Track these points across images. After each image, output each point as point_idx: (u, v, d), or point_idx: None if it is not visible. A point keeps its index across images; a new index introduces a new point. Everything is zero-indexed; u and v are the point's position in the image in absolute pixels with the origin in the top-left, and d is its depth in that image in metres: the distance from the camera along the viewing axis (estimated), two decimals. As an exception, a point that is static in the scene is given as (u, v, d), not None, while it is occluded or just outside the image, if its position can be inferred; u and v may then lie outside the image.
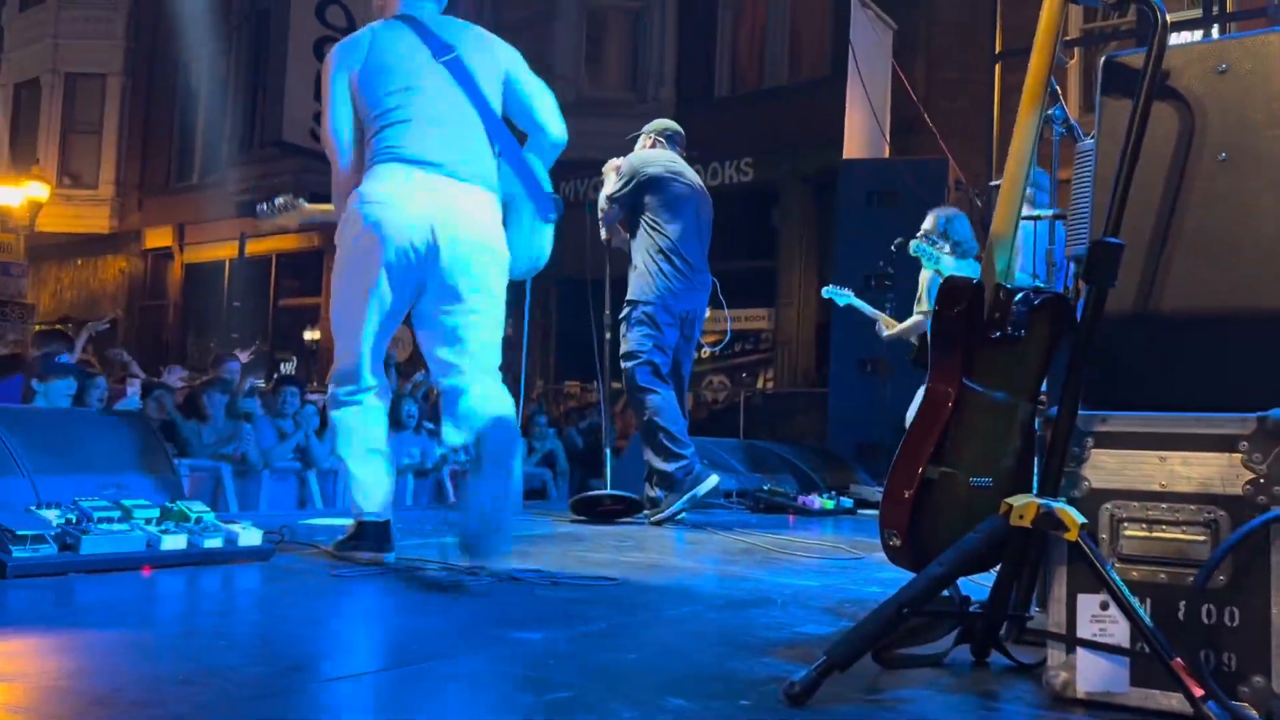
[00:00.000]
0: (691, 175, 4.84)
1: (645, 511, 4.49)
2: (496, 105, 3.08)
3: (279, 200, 3.41)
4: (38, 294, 18.58)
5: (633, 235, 4.72)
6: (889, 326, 5.97)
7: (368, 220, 2.83)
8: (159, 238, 18.70)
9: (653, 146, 4.91)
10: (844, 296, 6.17)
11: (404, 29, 3.03)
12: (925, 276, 5.56)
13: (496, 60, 3.13)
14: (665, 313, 4.58)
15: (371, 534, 2.95)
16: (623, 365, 4.59)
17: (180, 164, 18.49)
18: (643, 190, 4.64)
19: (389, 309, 2.92)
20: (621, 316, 4.65)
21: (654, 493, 4.51)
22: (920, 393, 5.57)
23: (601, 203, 4.76)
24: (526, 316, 4.57)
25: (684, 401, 4.77)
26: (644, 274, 4.60)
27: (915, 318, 5.64)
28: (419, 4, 3.11)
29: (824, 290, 6.37)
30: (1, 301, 15.56)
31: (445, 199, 2.88)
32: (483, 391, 2.89)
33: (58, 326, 12.30)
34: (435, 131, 2.92)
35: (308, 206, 3.39)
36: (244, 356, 8.19)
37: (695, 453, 4.55)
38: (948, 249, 5.38)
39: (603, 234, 4.82)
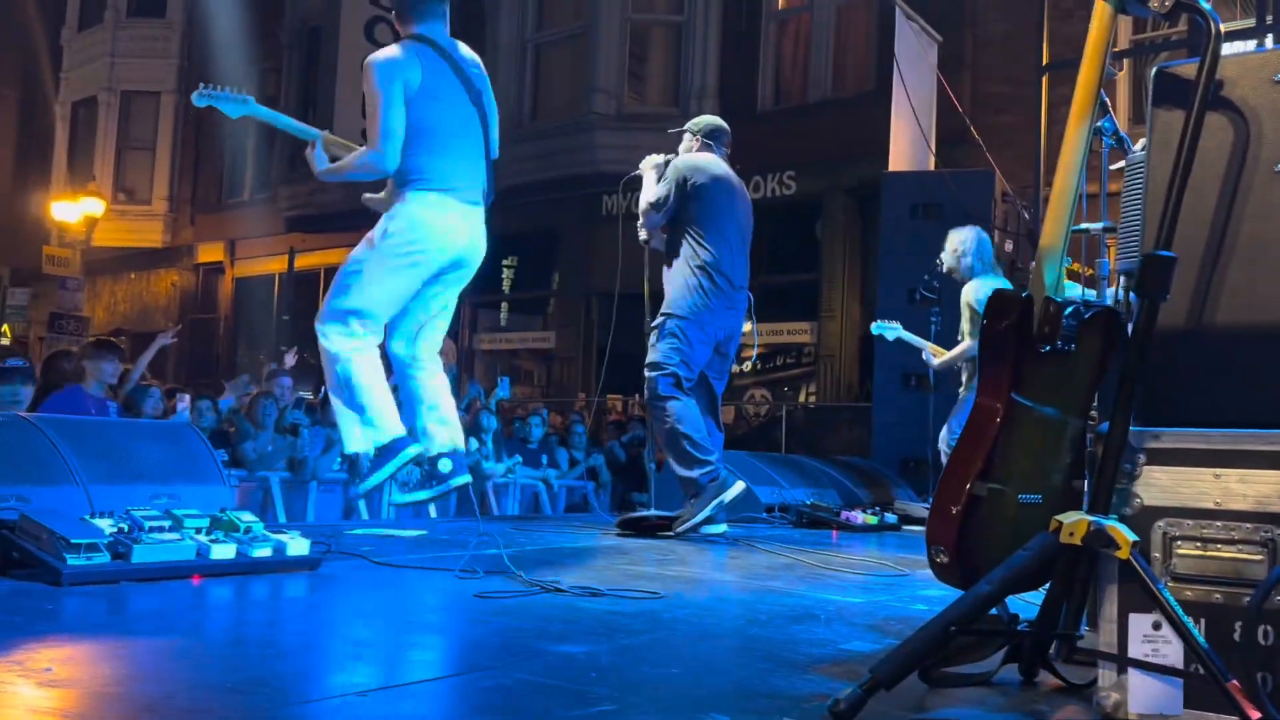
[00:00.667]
0: (734, 180, 4.72)
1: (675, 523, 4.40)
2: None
3: (228, 91, 3.80)
4: (93, 307, 19.02)
5: (673, 242, 4.59)
6: (937, 355, 5.91)
7: (420, 234, 3.52)
8: (211, 252, 19.05)
9: (700, 149, 4.75)
10: (892, 330, 6.14)
11: (442, 64, 3.55)
12: (967, 300, 5.53)
13: (488, 88, 3.75)
14: (698, 329, 4.46)
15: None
16: (646, 375, 4.47)
17: (232, 180, 18.83)
18: (688, 200, 4.52)
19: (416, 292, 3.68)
20: (654, 325, 4.55)
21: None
22: (954, 413, 5.62)
23: (643, 204, 4.63)
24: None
25: (718, 419, 4.66)
26: (682, 287, 4.49)
27: (964, 343, 5.59)
28: (436, 27, 3.59)
29: (872, 326, 6.36)
30: (58, 314, 15.95)
31: (471, 229, 3.65)
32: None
33: (109, 337, 12.54)
34: (462, 165, 3.59)
35: (259, 109, 3.86)
36: (290, 358, 8.28)
37: (721, 460, 4.44)
38: (982, 270, 5.56)
39: (642, 235, 4.72)
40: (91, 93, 19.73)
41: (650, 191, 4.62)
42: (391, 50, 3.53)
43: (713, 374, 4.64)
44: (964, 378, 5.80)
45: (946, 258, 5.73)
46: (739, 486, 4.37)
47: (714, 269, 4.47)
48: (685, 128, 4.85)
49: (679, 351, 4.43)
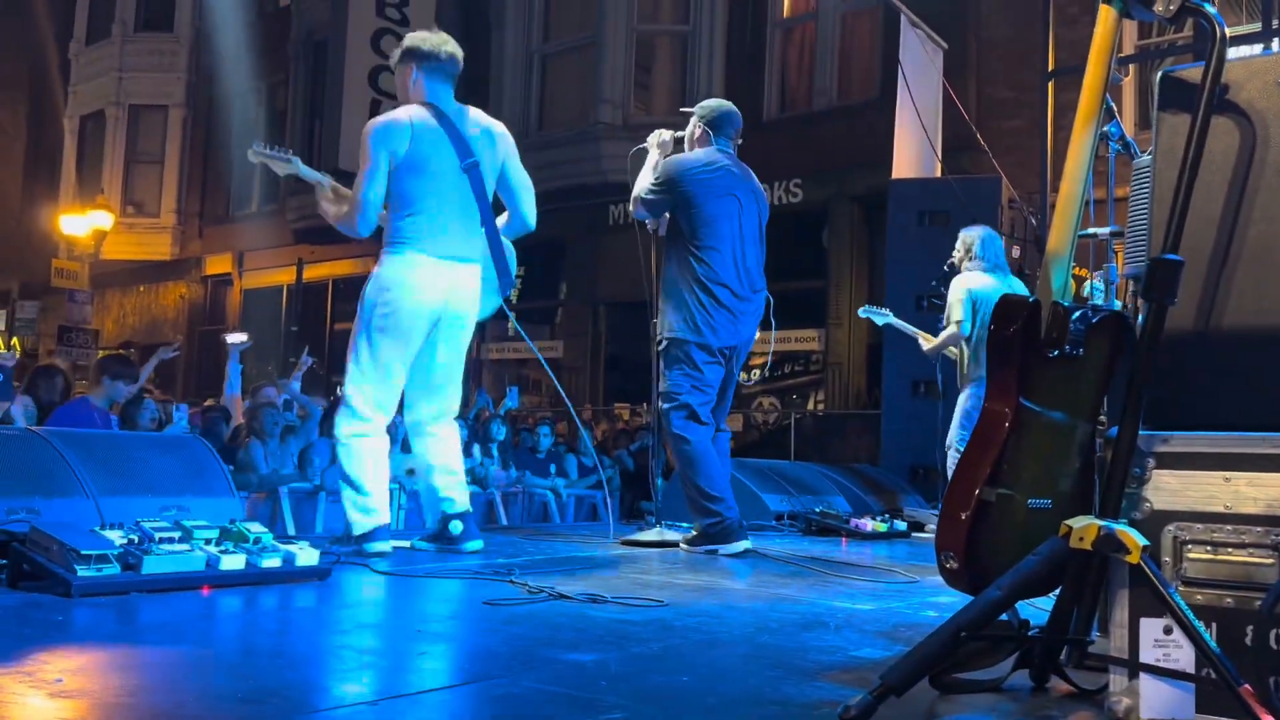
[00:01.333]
0: (735, 173, 4.38)
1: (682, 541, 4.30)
2: (491, 193, 3.85)
3: (278, 150, 3.95)
4: (101, 320, 19.10)
5: (668, 255, 4.36)
6: (927, 342, 5.93)
7: (404, 298, 3.63)
8: (219, 264, 19.13)
9: (700, 138, 4.44)
10: (882, 316, 6.14)
11: (438, 131, 3.68)
12: (955, 291, 5.55)
13: (497, 155, 3.86)
14: (704, 351, 4.22)
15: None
16: (659, 406, 4.30)
17: (240, 192, 18.91)
18: (678, 208, 4.28)
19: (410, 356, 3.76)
20: (660, 350, 4.33)
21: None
22: (956, 416, 5.62)
23: (635, 189, 4.39)
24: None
25: (722, 423, 4.44)
26: (683, 306, 4.22)
27: (949, 330, 5.62)
28: (443, 95, 3.78)
29: (860, 310, 6.31)
30: (67, 327, 16.01)
31: (451, 281, 3.72)
32: None
33: (121, 351, 12.59)
34: (453, 227, 3.70)
35: (302, 167, 3.91)
36: (306, 359, 8.29)
37: (732, 503, 4.22)
38: (981, 266, 5.60)
39: (649, 224, 4.54)
40: (99, 107, 19.84)
41: (645, 177, 4.39)
42: (391, 116, 3.72)
43: (723, 385, 4.41)
44: (959, 379, 5.80)
45: (957, 253, 5.76)
46: (740, 546, 4.13)
47: (712, 282, 4.22)
48: (693, 109, 4.57)
49: (688, 377, 4.21)
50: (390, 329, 3.63)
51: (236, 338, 8.21)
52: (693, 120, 4.53)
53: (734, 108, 4.55)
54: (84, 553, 2.50)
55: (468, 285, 3.78)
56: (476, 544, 3.76)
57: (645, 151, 4.54)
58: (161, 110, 19.61)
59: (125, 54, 19.60)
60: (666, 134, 4.52)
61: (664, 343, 4.30)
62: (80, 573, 2.46)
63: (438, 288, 3.67)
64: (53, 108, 21.02)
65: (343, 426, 3.67)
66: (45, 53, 20.91)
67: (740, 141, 4.56)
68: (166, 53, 19.63)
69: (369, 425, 3.66)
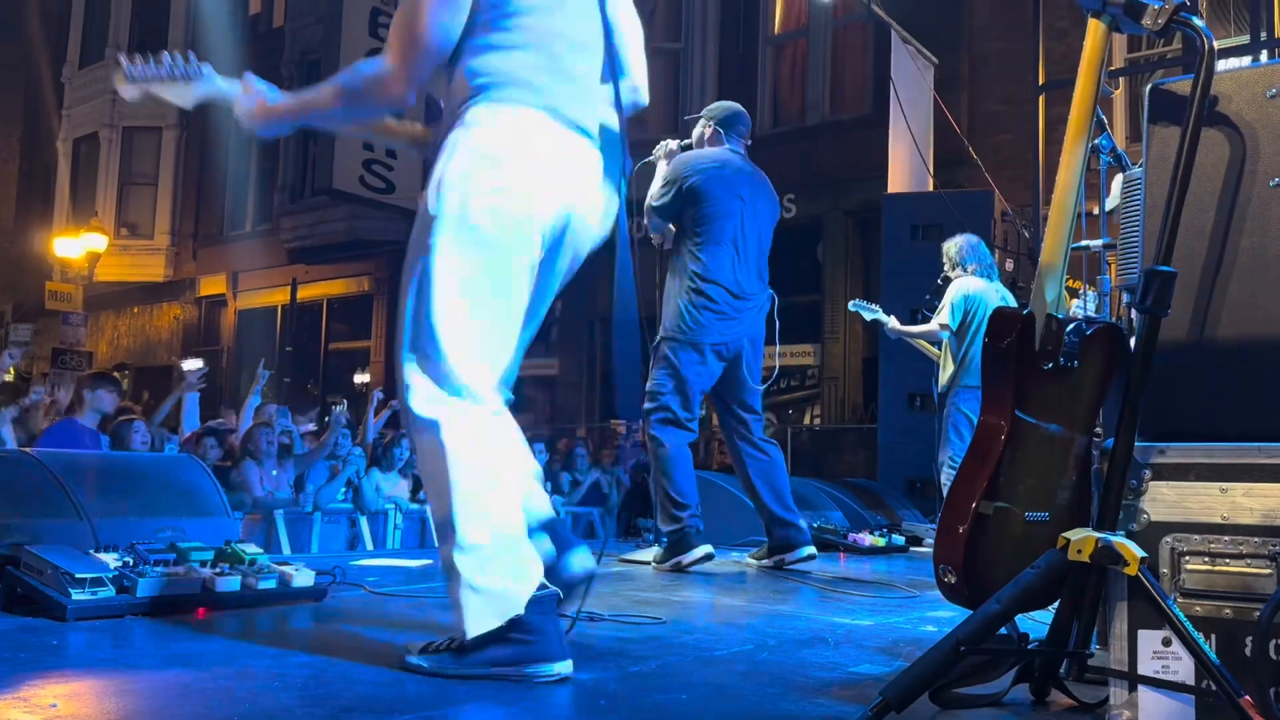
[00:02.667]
0: (744, 171, 4.36)
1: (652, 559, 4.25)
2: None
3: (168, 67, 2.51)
4: (95, 342, 19.07)
5: (673, 254, 4.32)
6: (897, 325, 5.85)
7: (510, 194, 2.04)
8: (213, 285, 19.13)
9: (711, 137, 4.42)
10: (871, 312, 6.02)
11: None
12: (951, 293, 5.53)
13: None
14: (692, 350, 4.17)
15: None
16: (644, 404, 4.25)
17: (234, 213, 18.93)
18: (685, 203, 4.22)
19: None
20: (653, 347, 4.29)
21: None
22: (947, 434, 5.61)
23: (647, 200, 4.35)
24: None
25: (759, 432, 4.33)
26: (674, 305, 4.21)
27: (929, 326, 5.60)
28: None
29: (850, 304, 6.20)
30: (60, 350, 15.98)
31: (586, 174, 2.21)
32: None
33: (112, 371, 12.58)
34: (577, 68, 2.21)
35: (216, 79, 2.55)
36: (260, 375, 8.16)
37: (696, 511, 4.15)
38: (971, 269, 5.59)
39: (654, 238, 4.48)
40: (93, 129, 19.89)
41: (655, 187, 4.36)
42: None
43: (733, 399, 4.31)
44: (941, 383, 5.71)
45: (947, 267, 5.78)
46: (699, 552, 4.08)
47: (705, 279, 4.18)
48: (701, 113, 4.55)
49: (671, 378, 4.19)
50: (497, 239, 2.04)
51: (193, 364, 7.96)
52: (701, 122, 4.52)
53: (742, 108, 4.55)
54: (78, 576, 2.49)
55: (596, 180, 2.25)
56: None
57: (652, 165, 4.51)
58: (155, 132, 19.65)
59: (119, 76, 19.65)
60: (673, 143, 4.50)
61: (657, 340, 4.29)
62: (75, 596, 2.45)
63: (565, 175, 2.15)
64: (46, 131, 21.06)
65: (433, 407, 2.00)
66: (39, 77, 20.95)
67: (749, 142, 4.55)
68: (160, 74, 19.68)
69: (464, 404, 2.02)
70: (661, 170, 4.42)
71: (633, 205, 4.04)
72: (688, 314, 4.19)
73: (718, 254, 4.22)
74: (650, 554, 4.37)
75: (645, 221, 4.38)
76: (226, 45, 17.27)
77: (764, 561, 4.25)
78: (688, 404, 4.22)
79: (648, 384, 4.27)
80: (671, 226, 4.37)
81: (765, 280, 4.41)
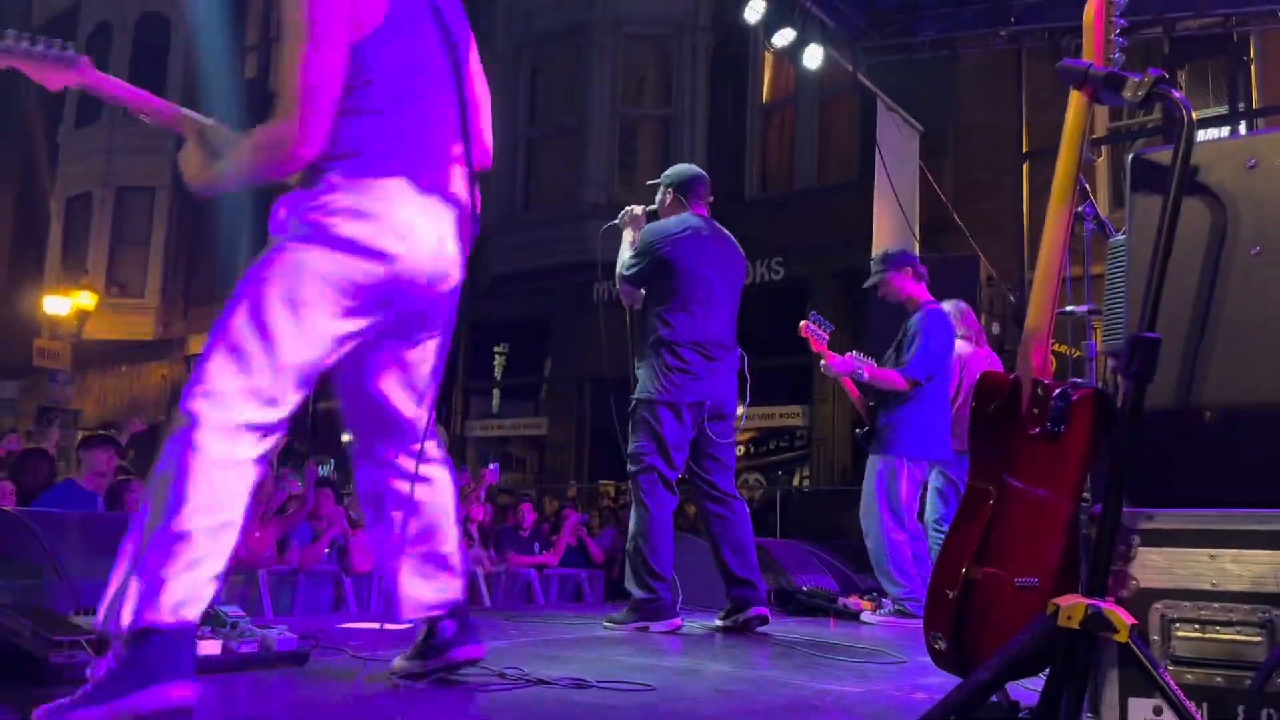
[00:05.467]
0: (709, 234, 4.40)
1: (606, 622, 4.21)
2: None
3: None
4: (82, 400, 18.96)
5: (644, 316, 4.38)
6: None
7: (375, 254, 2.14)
8: (202, 344, 19.07)
9: (672, 203, 4.48)
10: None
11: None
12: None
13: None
14: (668, 409, 4.20)
15: None
16: (628, 468, 4.28)
17: (226, 272, 18.96)
18: (658, 271, 4.29)
19: None
20: (629, 411, 4.34)
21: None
22: (930, 494, 5.59)
23: (618, 268, 4.42)
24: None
25: (730, 488, 4.36)
26: (647, 370, 4.26)
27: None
28: None
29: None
30: (47, 408, 15.89)
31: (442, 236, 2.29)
32: None
33: (103, 432, 12.47)
34: (431, 134, 2.28)
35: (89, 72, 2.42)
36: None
37: (672, 585, 4.17)
38: (960, 334, 5.61)
39: (625, 301, 4.51)
40: (87, 188, 19.99)
41: (625, 253, 4.44)
42: None
43: (701, 453, 4.31)
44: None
45: None
46: (670, 625, 4.09)
47: (677, 342, 4.22)
48: (659, 179, 4.63)
49: (653, 439, 4.20)
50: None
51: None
52: (661, 189, 4.59)
53: (700, 170, 4.62)
54: (56, 639, 2.45)
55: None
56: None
57: (616, 228, 4.60)
58: (149, 192, 19.76)
59: (114, 136, 19.81)
60: (637, 208, 4.58)
61: (633, 404, 4.33)
62: (53, 658, 2.41)
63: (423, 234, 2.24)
64: (40, 190, 21.17)
65: None
66: (34, 136, 21.12)
67: (711, 200, 4.60)
68: (156, 135, 19.77)
69: None
70: (628, 237, 4.49)
71: (599, 268, 4.05)
72: (662, 376, 4.24)
73: (689, 317, 4.28)
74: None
75: (616, 287, 4.46)
76: (223, 106, 17.49)
77: (724, 622, 4.23)
78: (672, 463, 4.25)
79: (630, 447, 4.30)
80: (642, 290, 4.43)
81: (734, 340, 4.45)
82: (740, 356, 4.46)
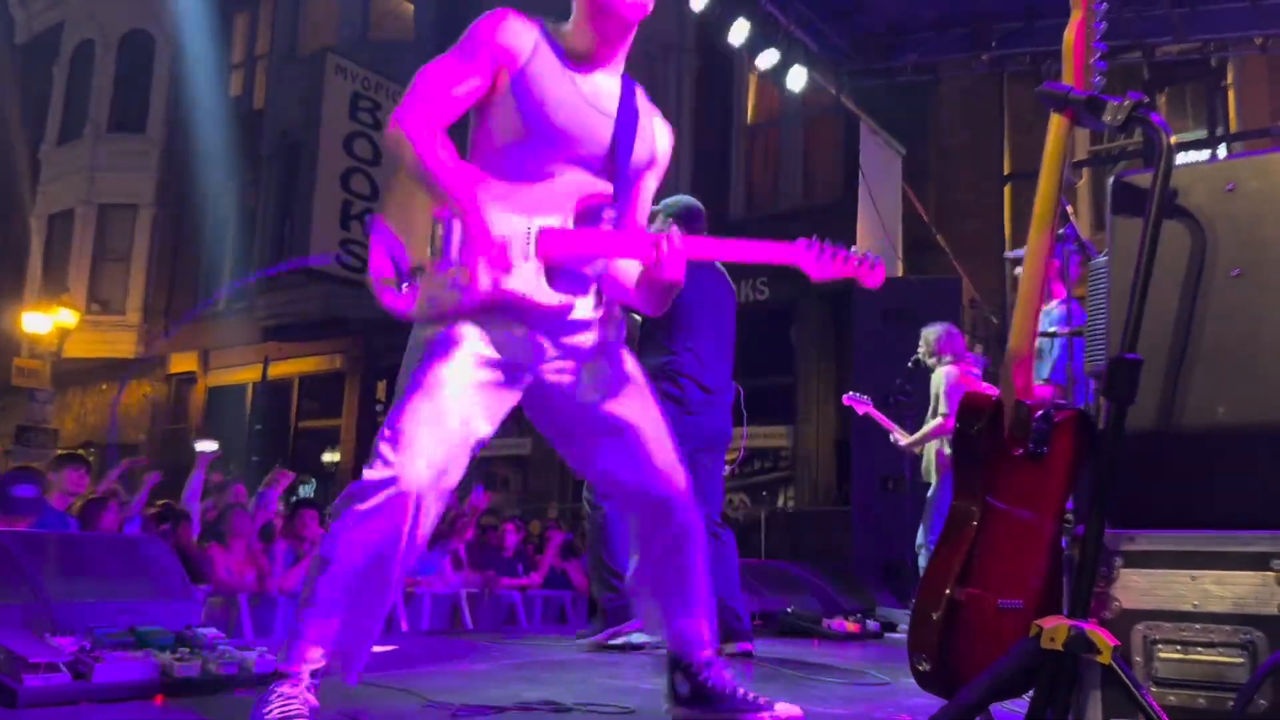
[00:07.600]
0: (708, 268, 4.39)
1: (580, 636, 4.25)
2: None
3: None
4: (61, 419, 18.79)
5: (641, 348, 4.29)
6: (904, 437, 6.01)
7: None
8: (184, 362, 18.97)
9: None
10: (863, 403, 6.18)
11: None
12: (942, 383, 5.64)
13: None
14: None
15: None
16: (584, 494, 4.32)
17: (207, 291, 18.89)
18: None
19: None
20: None
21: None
22: (928, 512, 5.66)
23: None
24: None
25: (715, 515, 4.26)
26: None
27: (930, 423, 5.70)
28: None
29: (845, 397, 6.35)
30: (25, 426, 15.73)
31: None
32: None
33: (79, 451, 12.37)
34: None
35: None
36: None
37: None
38: (948, 359, 5.76)
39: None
40: (69, 205, 19.88)
41: None
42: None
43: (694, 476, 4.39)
44: (933, 479, 5.85)
45: (922, 350, 5.91)
46: (637, 636, 4.07)
47: (678, 375, 4.20)
48: (658, 208, 4.52)
49: None
50: None
51: (207, 445, 8.04)
52: (659, 218, 4.57)
53: (697, 202, 4.60)
54: (32, 661, 2.41)
55: None
56: None
57: None
58: (131, 209, 19.68)
59: (96, 154, 19.74)
60: None
61: None
62: (28, 682, 2.37)
63: None
64: (20, 207, 21.04)
65: None
66: (14, 153, 21.01)
67: (704, 229, 4.54)
68: (138, 153, 19.80)
69: None
70: None
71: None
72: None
73: (685, 350, 4.25)
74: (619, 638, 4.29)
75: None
76: (207, 125, 17.46)
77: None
78: None
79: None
80: (637, 317, 4.38)
81: (730, 374, 4.41)
82: (737, 391, 4.43)
